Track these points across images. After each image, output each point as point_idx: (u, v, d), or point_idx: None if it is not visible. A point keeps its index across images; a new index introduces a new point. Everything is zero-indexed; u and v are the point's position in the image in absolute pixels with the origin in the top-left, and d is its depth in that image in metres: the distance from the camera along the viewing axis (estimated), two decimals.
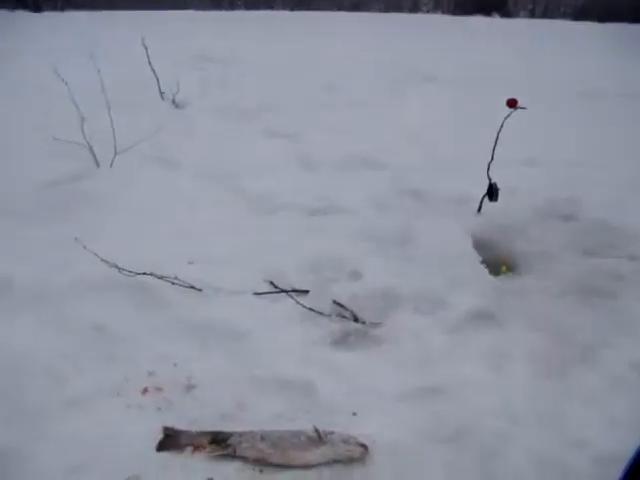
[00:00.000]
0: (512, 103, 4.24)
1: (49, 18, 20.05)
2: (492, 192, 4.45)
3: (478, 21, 24.84)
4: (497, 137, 4.41)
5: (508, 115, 4.29)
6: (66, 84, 5.07)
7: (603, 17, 24.47)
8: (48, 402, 2.71)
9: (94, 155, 5.10)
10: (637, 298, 3.60)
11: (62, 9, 25.48)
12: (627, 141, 6.44)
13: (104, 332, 3.15)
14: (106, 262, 3.47)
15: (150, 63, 7.67)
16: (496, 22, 25.96)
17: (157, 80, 7.73)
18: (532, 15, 33.32)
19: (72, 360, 2.96)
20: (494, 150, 4.48)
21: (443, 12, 34.53)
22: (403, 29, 18.60)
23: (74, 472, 2.35)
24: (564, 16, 31.11)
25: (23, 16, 20.77)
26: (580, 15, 29.04)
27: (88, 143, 5.02)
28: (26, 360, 2.94)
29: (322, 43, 13.51)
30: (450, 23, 24.03)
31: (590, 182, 5.16)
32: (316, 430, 2.49)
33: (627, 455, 1.78)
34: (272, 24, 19.02)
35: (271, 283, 3.61)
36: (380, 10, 27.94)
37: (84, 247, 3.47)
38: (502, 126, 4.36)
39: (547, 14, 32.42)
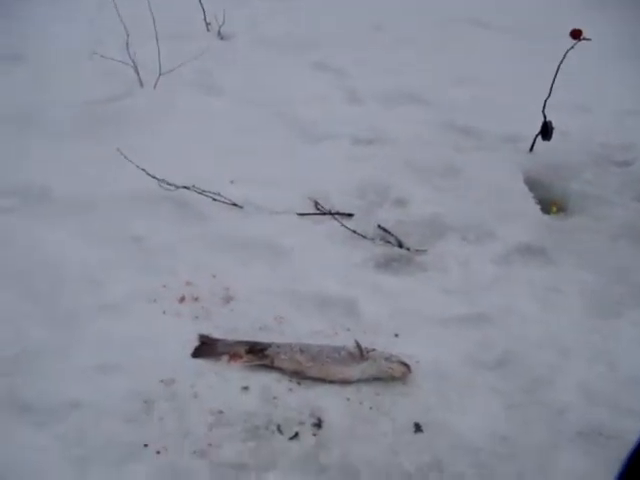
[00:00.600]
0: (576, 34, 3.96)
1: None
2: (547, 130, 4.24)
3: None
4: (557, 70, 4.16)
5: (571, 47, 4.03)
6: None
7: None
8: (84, 305, 2.68)
9: (138, 75, 4.98)
10: None
11: None
12: None
13: (142, 242, 3.09)
14: (147, 175, 3.39)
15: None
16: None
17: (203, 10, 7.54)
18: None
19: (109, 267, 2.91)
20: (552, 86, 4.25)
21: None
22: None
23: (106, 371, 2.32)
24: None
25: None
26: None
27: (133, 61, 4.90)
28: (63, 266, 2.92)
29: None
30: None
31: None
32: (358, 345, 2.40)
33: None
34: None
35: (315, 205, 3.51)
36: None
37: (125, 157, 3.39)
38: (564, 58, 4.10)
39: None
